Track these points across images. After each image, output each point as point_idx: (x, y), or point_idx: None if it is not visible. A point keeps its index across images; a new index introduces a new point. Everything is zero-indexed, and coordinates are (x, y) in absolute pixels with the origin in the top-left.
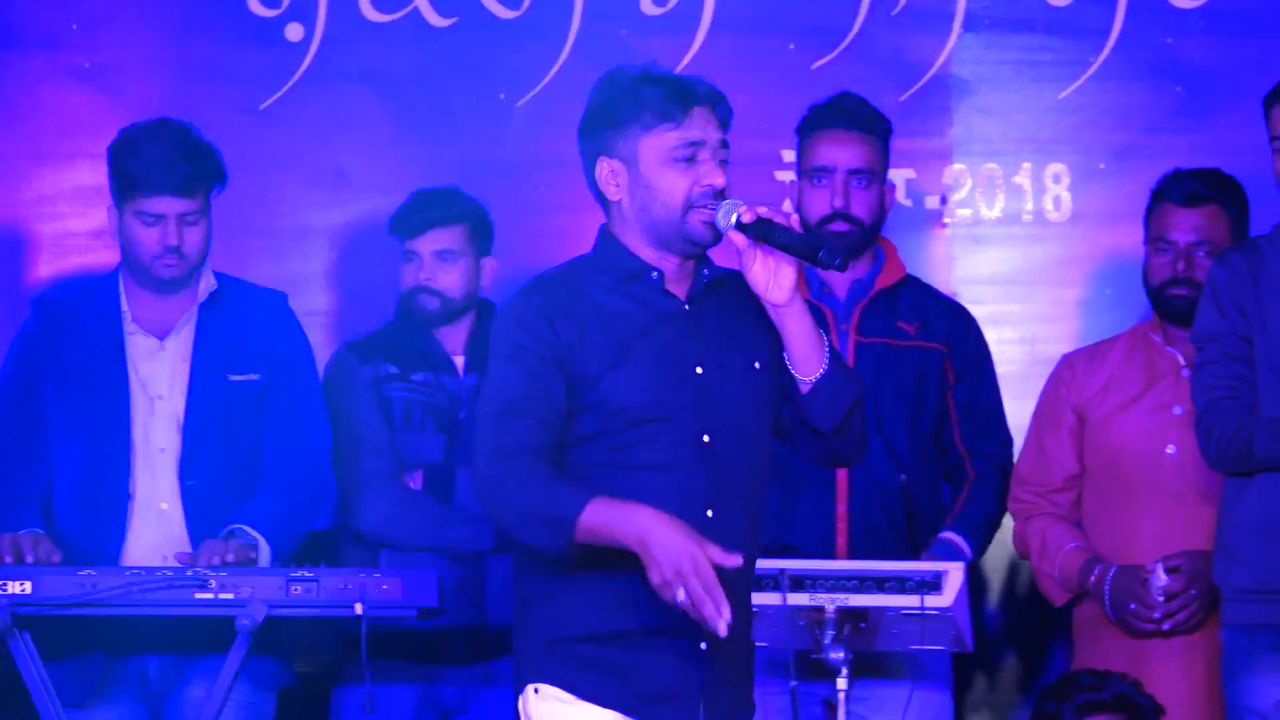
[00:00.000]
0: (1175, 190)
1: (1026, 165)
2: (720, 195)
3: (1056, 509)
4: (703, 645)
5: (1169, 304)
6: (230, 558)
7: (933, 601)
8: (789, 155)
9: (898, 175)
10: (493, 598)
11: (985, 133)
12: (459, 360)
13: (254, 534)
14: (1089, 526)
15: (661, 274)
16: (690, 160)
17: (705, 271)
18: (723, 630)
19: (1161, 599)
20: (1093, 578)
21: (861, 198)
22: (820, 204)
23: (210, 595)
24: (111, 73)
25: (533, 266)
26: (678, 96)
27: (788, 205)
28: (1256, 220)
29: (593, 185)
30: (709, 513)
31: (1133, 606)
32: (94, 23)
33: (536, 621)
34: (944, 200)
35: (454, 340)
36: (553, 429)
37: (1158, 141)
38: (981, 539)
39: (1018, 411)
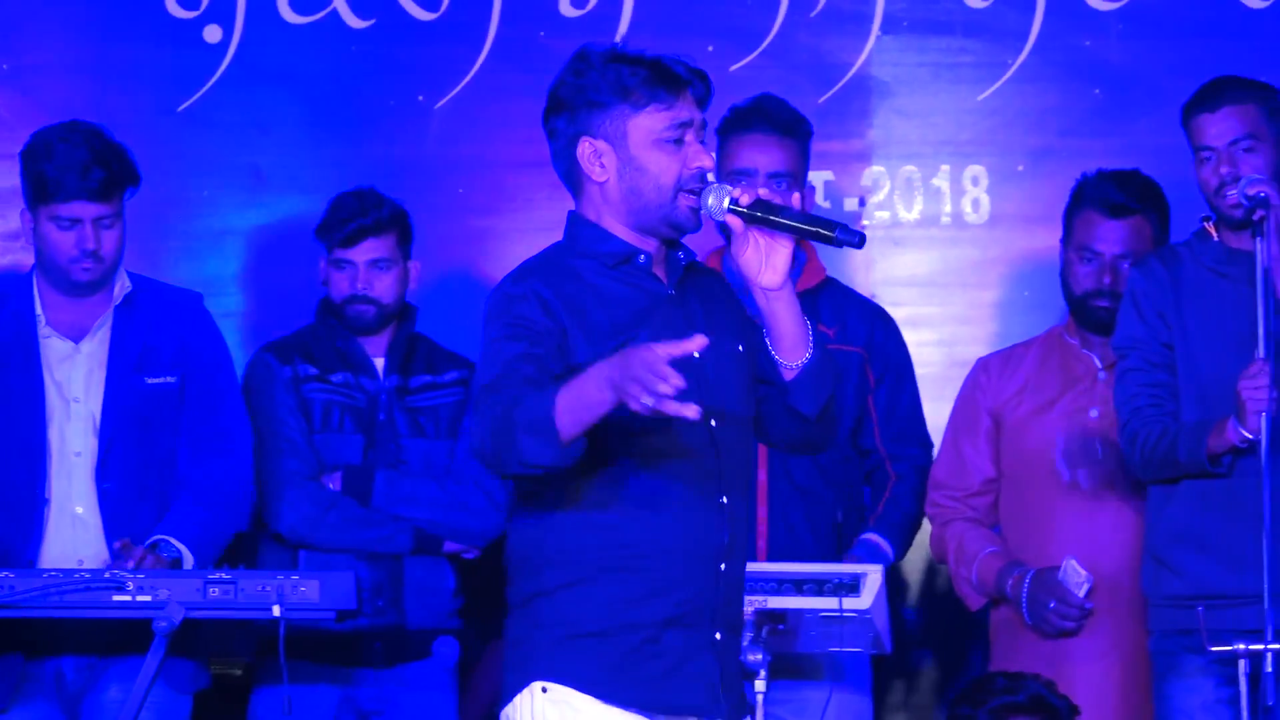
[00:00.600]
0: (1100, 199)
1: (945, 167)
2: (705, 176)
3: (974, 513)
4: (717, 635)
5: (1091, 314)
6: (146, 567)
7: (851, 604)
8: None
9: (816, 177)
10: (411, 600)
11: (904, 135)
12: (379, 362)
13: (178, 546)
14: (1007, 531)
15: (649, 256)
16: (678, 142)
17: (681, 255)
18: (691, 413)
19: (1081, 595)
20: (1010, 582)
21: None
22: None
23: (128, 598)
24: (30, 75)
25: (452, 268)
26: (666, 77)
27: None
28: (1174, 224)
29: (565, 166)
30: (724, 499)
31: (1053, 605)
32: (12, 25)
33: (547, 615)
34: (862, 202)
35: (374, 342)
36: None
37: (1076, 144)
38: (903, 539)
39: (936, 413)
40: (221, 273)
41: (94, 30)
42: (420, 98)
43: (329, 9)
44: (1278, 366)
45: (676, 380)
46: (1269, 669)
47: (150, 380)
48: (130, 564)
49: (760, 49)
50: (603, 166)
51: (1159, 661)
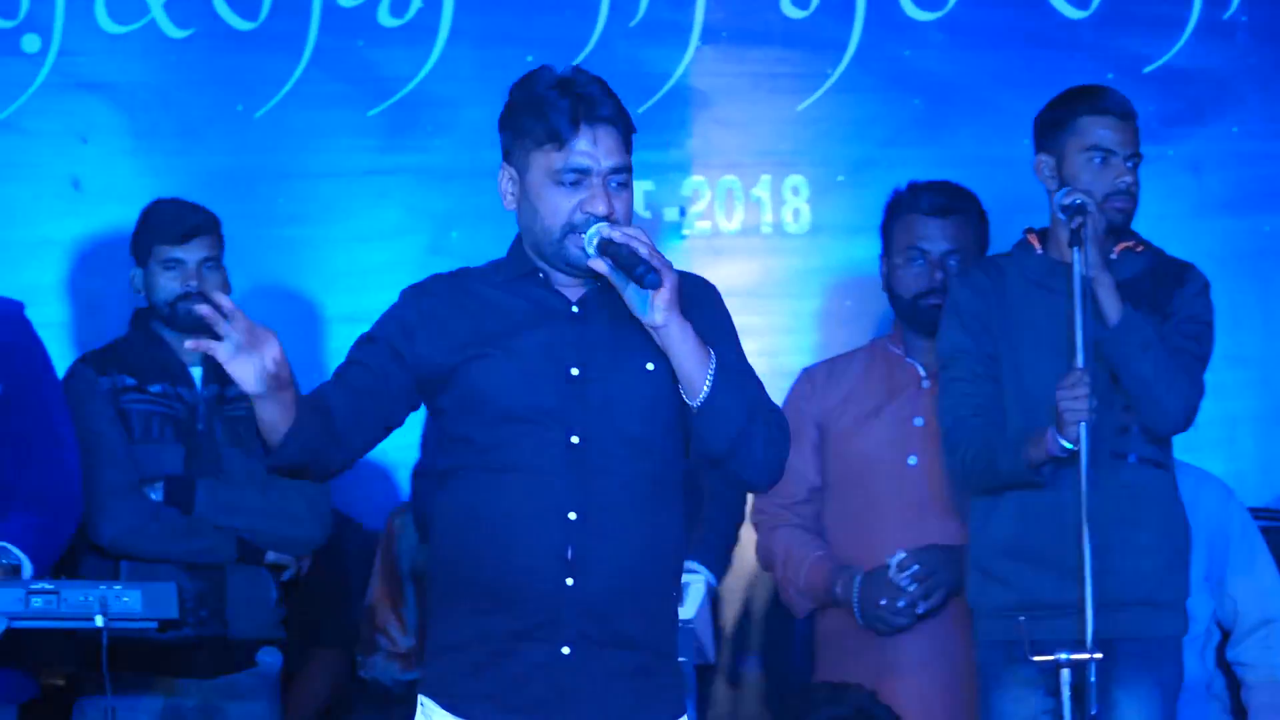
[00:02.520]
0: (920, 201)
1: (765, 177)
2: (605, 220)
3: (800, 520)
4: (565, 650)
5: (923, 315)
6: None
7: None
8: None
9: (636, 186)
10: (234, 610)
11: (724, 145)
12: (196, 372)
13: (18, 553)
14: (832, 539)
15: (546, 274)
16: (575, 185)
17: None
18: None
19: (906, 583)
20: (839, 585)
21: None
22: None
23: None
24: None
25: (270, 278)
26: (572, 116)
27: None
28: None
29: None
30: (571, 515)
31: (883, 602)
32: None
33: (429, 630)
34: (683, 212)
35: (191, 352)
36: (349, 391)
37: (896, 154)
38: (723, 563)
39: None
40: (39, 282)
41: None
42: (239, 107)
43: (147, 19)
44: (1096, 376)
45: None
46: (1092, 678)
47: None
48: None
49: (580, 58)
50: (511, 195)
51: (984, 673)
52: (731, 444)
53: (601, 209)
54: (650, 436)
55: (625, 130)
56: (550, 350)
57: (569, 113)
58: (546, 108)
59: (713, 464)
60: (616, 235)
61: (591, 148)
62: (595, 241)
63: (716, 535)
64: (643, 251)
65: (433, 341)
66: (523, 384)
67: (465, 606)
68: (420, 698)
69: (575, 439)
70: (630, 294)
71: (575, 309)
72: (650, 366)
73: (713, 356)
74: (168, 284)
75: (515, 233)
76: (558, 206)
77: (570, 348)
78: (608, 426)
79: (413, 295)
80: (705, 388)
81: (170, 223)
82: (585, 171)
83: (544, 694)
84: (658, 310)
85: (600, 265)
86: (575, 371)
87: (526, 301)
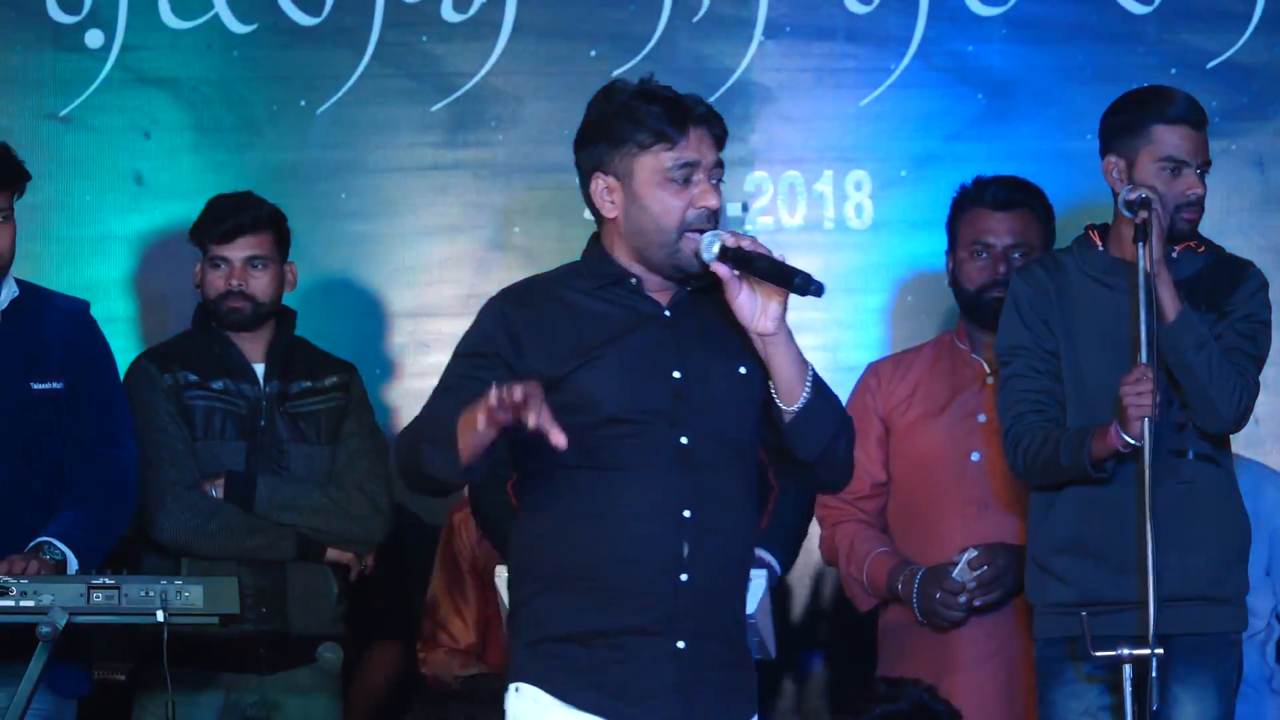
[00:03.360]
0: (986, 195)
1: (828, 173)
2: (714, 217)
3: (864, 516)
4: (680, 644)
5: (987, 308)
6: (33, 571)
7: None
8: None
9: None
10: (295, 605)
11: (787, 140)
12: (259, 368)
13: (62, 548)
14: (896, 534)
15: (639, 280)
16: (685, 181)
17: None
18: (558, 440)
19: (969, 581)
20: (901, 580)
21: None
22: None
23: (11, 603)
24: None
25: (334, 272)
26: (675, 116)
27: None
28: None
29: (587, 200)
30: (685, 513)
31: (938, 595)
32: None
33: (522, 623)
34: (746, 208)
35: (254, 348)
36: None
37: (958, 149)
38: (790, 552)
39: None
40: (103, 277)
41: None
42: (302, 102)
43: (211, 14)
44: (1160, 372)
45: (483, 411)
46: (1154, 674)
47: (37, 385)
48: (18, 567)
49: (643, 54)
50: (612, 203)
51: (1043, 669)
52: (823, 450)
53: (714, 203)
54: (743, 437)
55: (718, 126)
56: (652, 354)
57: (671, 114)
58: (644, 114)
59: (798, 467)
60: (745, 243)
61: (699, 144)
62: (715, 248)
63: (786, 529)
64: (777, 260)
65: (540, 353)
66: (632, 387)
67: (573, 601)
68: (517, 685)
69: (684, 440)
70: (742, 301)
71: (668, 313)
72: (743, 370)
73: (809, 365)
74: (214, 281)
75: (576, 228)
76: (669, 205)
77: (669, 351)
78: (709, 427)
79: (509, 307)
80: (804, 395)
81: (215, 221)
82: (695, 165)
83: (657, 687)
84: (771, 319)
85: (723, 270)
86: (677, 375)
87: (619, 308)
